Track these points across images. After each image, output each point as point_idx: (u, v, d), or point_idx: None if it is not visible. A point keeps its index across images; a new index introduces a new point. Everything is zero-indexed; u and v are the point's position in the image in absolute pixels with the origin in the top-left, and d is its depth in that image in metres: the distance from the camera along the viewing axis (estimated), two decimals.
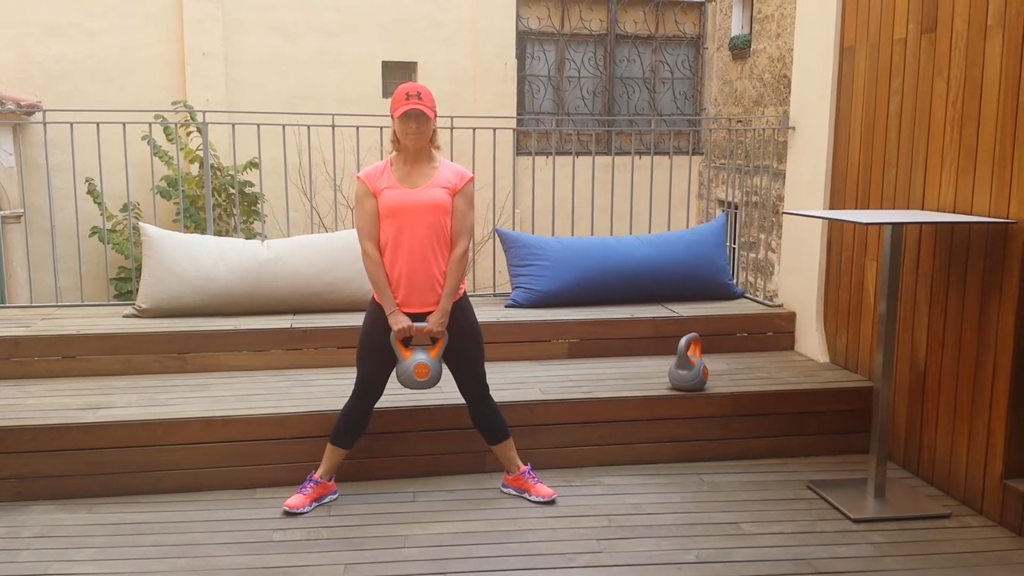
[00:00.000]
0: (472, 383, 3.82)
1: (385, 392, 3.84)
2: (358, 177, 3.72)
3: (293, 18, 10.40)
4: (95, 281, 8.39)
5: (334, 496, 3.84)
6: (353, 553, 3.39)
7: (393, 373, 3.77)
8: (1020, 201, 3.51)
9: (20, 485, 3.82)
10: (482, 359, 3.84)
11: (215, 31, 10.14)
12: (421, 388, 3.74)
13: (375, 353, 3.74)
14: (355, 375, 3.80)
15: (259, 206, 9.01)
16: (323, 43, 10.47)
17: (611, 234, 5.88)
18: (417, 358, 3.69)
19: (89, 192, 8.55)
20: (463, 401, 3.88)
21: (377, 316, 3.72)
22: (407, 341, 3.72)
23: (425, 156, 3.72)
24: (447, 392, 4.07)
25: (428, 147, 3.71)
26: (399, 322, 3.67)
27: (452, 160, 5.42)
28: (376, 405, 3.83)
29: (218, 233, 8.92)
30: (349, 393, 3.80)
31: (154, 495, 3.87)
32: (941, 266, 3.97)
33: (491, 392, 3.86)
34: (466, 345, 3.78)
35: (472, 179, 3.76)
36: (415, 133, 3.62)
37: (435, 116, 3.68)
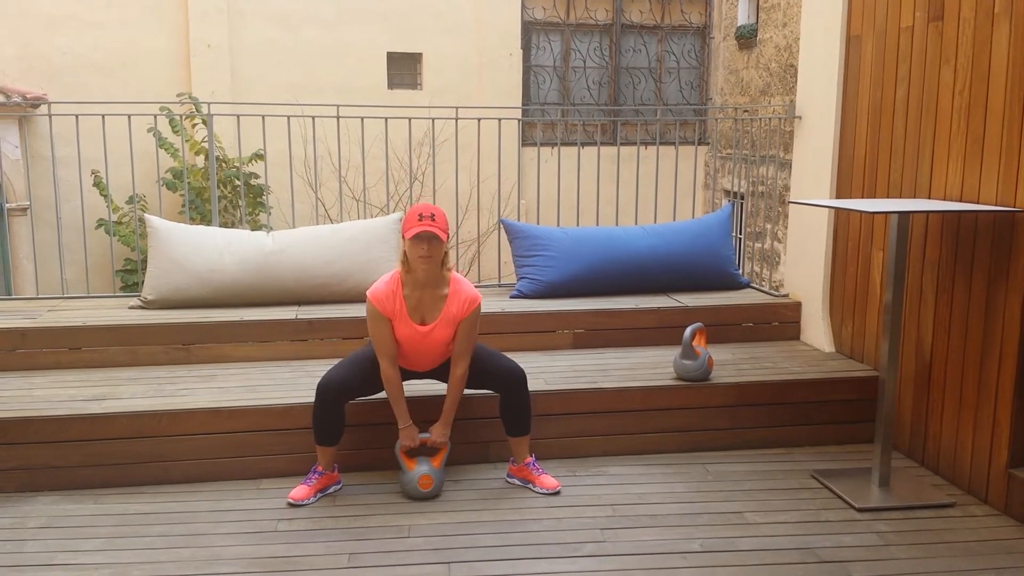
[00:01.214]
0: (502, 377, 3.84)
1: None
2: (371, 299, 3.72)
3: (297, 10, 10.39)
4: (101, 273, 8.40)
5: (338, 487, 3.85)
6: (357, 543, 3.39)
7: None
8: None
9: (26, 476, 3.84)
10: (495, 355, 3.89)
11: (220, 23, 10.14)
12: (424, 499, 3.79)
13: (373, 364, 3.79)
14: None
15: (264, 198, 9.03)
16: (327, 34, 10.46)
17: (616, 224, 5.86)
18: (420, 470, 3.78)
19: (95, 184, 8.58)
20: (468, 392, 3.89)
21: None
22: (411, 451, 3.82)
23: (434, 280, 3.72)
24: None
25: (439, 270, 3.71)
26: (409, 436, 3.80)
27: (457, 162, 5.43)
28: (383, 396, 3.84)
29: (223, 225, 8.94)
30: (316, 392, 3.78)
31: (160, 486, 3.89)
32: (948, 255, 3.96)
33: (527, 382, 3.87)
34: (475, 365, 3.84)
35: (479, 304, 3.78)
36: (426, 255, 3.61)
37: (447, 238, 3.68)
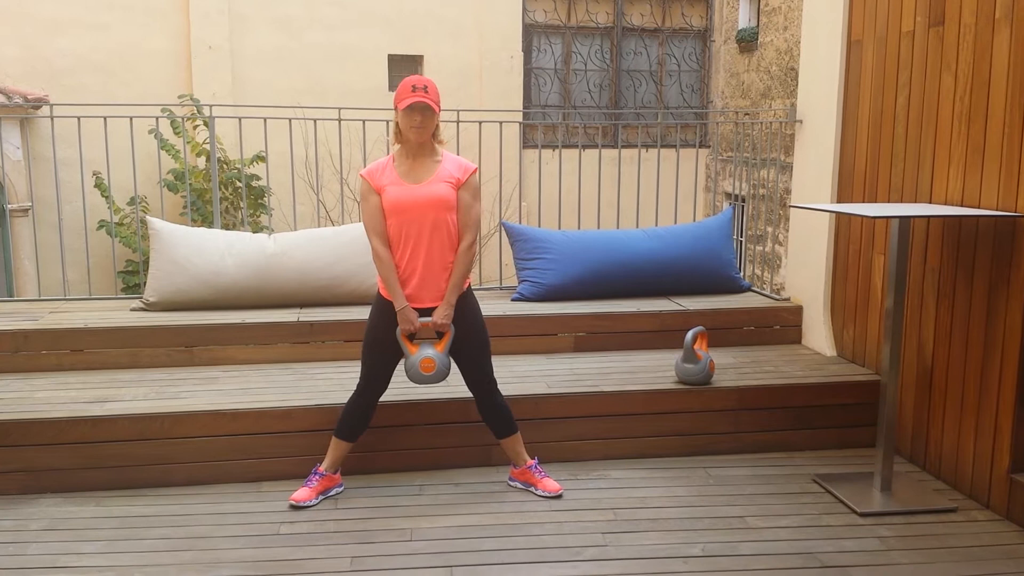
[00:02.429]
0: (479, 377, 3.82)
1: (391, 386, 3.85)
2: (361, 175, 3.73)
3: (298, 12, 10.40)
4: (103, 274, 8.41)
5: (340, 489, 3.85)
6: (359, 546, 3.40)
7: (400, 368, 3.78)
8: None
9: (28, 478, 3.84)
10: (488, 353, 3.84)
11: (221, 25, 10.15)
12: (428, 383, 3.75)
13: (381, 347, 3.75)
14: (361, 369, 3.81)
15: (266, 200, 9.04)
16: (328, 37, 10.47)
17: (617, 227, 5.87)
18: (424, 352, 3.69)
19: (96, 186, 8.59)
20: (469, 394, 3.89)
21: (383, 310, 3.73)
22: (413, 336, 3.73)
23: (428, 150, 3.70)
24: (453, 385, 4.07)
25: (431, 141, 3.70)
26: (407, 319, 3.68)
27: (459, 154, 5.43)
28: (382, 399, 3.84)
29: (225, 226, 8.94)
30: (356, 386, 3.81)
31: (161, 488, 3.89)
32: (949, 260, 3.96)
33: (497, 386, 3.86)
34: (471, 340, 3.79)
35: (476, 170, 3.75)
36: (419, 127, 3.60)
37: (440, 110, 3.66)
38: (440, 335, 3.76)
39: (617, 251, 5.35)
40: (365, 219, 3.72)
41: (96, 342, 4.64)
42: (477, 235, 3.77)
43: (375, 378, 3.77)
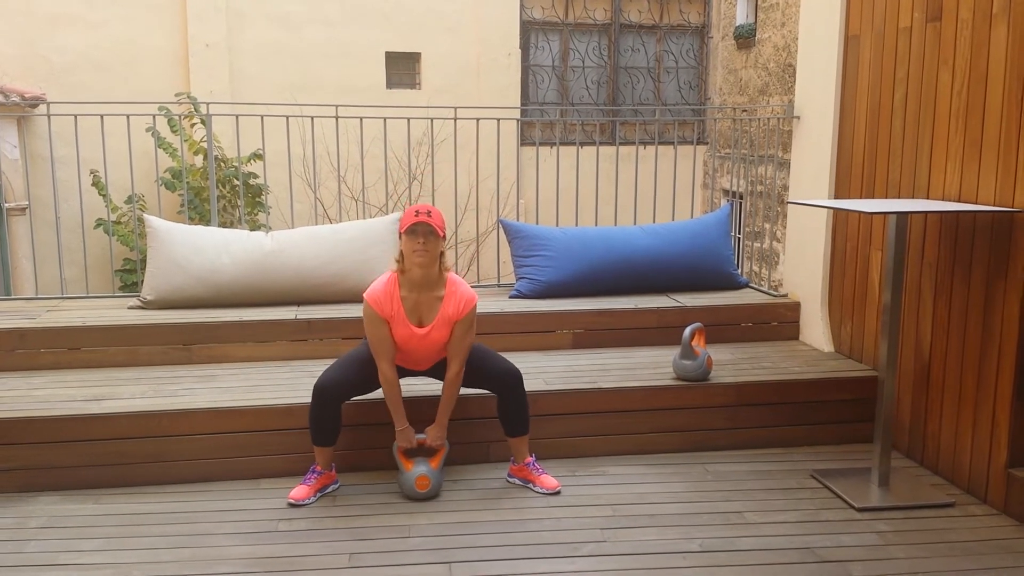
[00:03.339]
0: (499, 378, 3.84)
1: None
2: (368, 302, 3.71)
3: (296, 8, 10.39)
4: (100, 273, 8.40)
5: (336, 486, 3.86)
6: (358, 543, 3.40)
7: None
8: None
9: (27, 476, 3.84)
10: (491, 355, 3.89)
11: (218, 22, 10.14)
12: (421, 499, 3.80)
13: (369, 364, 3.79)
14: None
15: (263, 197, 9.03)
16: (326, 34, 10.47)
17: (615, 224, 5.87)
18: (418, 470, 3.78)
19: (94, 184, 8.57)
20: (466, 392, 3.90)
21: None
22: (409, 452, 3.83)
23: (432, 282, 3.72)
24: None
25: (436, 270, 3.70)
26: (406, 438, 3.80)
27: (456, 162, 5.44)
28: (380, 394, 3.84)
29: (222, 224, 8.94)
30: (316, 392, 3.78)
31: (160, 486, 3.89)
32: (946, 255, 3.97)
33: (523, 381, 3.87)
34: (468, 364, 3.84)
35: (474, 306, 3.78)
36: (422, 249, 3.60)
37: (444, 237, 3.68)
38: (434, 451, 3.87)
39: (615, 248, 5.35)
40: (373, 343, 3.75)
41: (94, 340, 4.64)
42: (465, 363, 3.83)
43: (348, 388, 3.78)
